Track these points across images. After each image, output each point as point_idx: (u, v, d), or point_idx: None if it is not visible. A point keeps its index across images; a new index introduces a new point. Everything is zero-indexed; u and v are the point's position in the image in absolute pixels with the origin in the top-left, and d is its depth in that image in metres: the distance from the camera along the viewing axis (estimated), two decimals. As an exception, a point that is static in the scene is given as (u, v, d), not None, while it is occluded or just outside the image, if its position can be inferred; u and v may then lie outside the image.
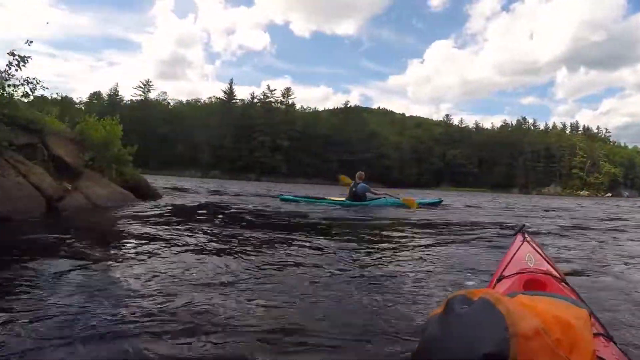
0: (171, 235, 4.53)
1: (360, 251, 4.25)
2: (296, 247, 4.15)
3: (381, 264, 3.60)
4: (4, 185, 5.33)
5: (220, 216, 7.18)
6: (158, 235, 4.49)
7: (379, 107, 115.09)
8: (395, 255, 4.05)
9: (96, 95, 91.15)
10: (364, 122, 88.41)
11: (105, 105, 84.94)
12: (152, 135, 77.00)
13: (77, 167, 7.64)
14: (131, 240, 4.15)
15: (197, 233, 4.78)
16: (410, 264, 3.63)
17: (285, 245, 4.24)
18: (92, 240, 4.22)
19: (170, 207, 8.18)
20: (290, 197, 10.91)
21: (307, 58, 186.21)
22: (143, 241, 4.08)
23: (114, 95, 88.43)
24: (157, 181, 25.38)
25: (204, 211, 8.19)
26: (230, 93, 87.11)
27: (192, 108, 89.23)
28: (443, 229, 6.61)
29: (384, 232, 6.07)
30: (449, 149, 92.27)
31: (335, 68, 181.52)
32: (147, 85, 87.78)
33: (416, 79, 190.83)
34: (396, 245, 4.71)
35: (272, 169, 77.42)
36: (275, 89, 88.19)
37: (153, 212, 7.00)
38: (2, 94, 6.50)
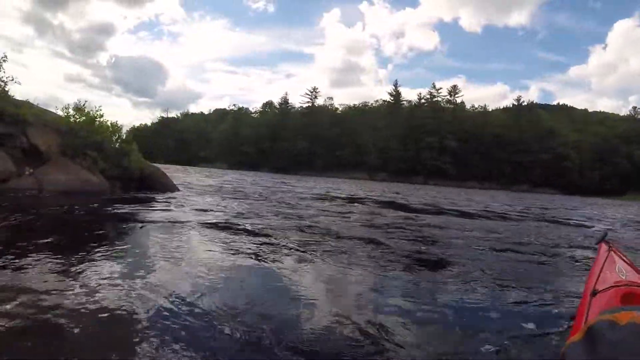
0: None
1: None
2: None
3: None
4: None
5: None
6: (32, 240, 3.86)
7: (558, 103, 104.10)
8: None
9: (268, 105, 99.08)
10: (539, 120, 79.53)
11: (276, 113, 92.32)
12: (320, 139, 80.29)
13: (48, 154, 8.35)
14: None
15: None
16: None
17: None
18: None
19: (143, 208, 6.79)
20: None
21: (480, 55, 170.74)
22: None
23: (284, 103, 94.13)
24: (311, 183, 26.13)
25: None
26: (396, 95, 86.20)
27: (360, 112, 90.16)
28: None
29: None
30: (637, 149, 79.18)
31: (510, 63, 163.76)
32: (314, 92, 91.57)
33: (599, 69, 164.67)
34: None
35: (440, 172, 73.45)
36: (441, 88, 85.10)
37: (96, 208, 6.50)
38: None
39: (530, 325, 2.54)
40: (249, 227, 5.71)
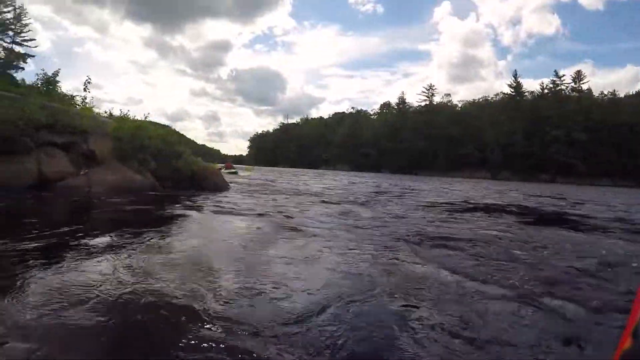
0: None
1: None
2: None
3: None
4: (10, 169, 7.83)
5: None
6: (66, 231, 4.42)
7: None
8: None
9: (386, 106, 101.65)
10: (675, 103, 69.00)
11: (394, 114, 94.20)
12: (440, 138, 79.74)
13: (102, 157, 9.62)
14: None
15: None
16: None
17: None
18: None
19: (187, 205, 7.50)
20: None
21: (605, 35, 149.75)
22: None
23: (402, 103, 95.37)
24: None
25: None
26: (517, 86, 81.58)
27: (480, 107, 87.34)
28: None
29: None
30: None
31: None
32: (430, 90, 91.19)
33: None
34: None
35: (568, 168, 67.90)
36: (564, 75, 78.71)
37: (133, 205, 7.11)
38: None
39: None
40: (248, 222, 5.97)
